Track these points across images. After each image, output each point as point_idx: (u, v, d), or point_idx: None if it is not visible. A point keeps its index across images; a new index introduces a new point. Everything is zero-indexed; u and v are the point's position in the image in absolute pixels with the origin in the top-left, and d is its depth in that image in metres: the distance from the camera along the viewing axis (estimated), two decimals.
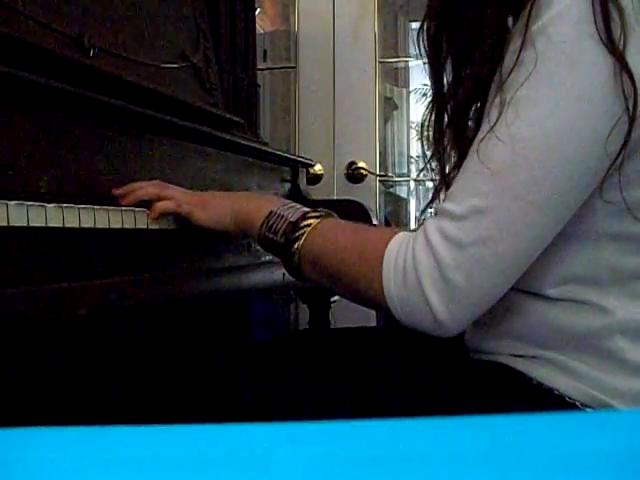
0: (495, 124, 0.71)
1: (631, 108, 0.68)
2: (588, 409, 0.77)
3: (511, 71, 0.71)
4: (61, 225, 0.73)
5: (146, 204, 0.93)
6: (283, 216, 0.87)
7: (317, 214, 0.87)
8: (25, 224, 0.69)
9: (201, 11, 1.42)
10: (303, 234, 0.84)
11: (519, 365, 0.82)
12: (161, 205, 0.92)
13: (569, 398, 0.78)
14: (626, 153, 0.71)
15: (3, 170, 0.75)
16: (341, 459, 0.34)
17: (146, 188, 0.93)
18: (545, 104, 0.70)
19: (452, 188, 0.76)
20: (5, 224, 0.66)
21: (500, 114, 0.71)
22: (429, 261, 0.72)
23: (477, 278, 0.72)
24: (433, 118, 0.87)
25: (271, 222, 0.88)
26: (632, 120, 0.69)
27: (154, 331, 1.42)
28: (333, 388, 0.89)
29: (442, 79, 0.86)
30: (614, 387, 0.77)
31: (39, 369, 1.15)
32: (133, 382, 1.36)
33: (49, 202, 0.73)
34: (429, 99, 0.88)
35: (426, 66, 0.88)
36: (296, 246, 0.84)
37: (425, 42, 0.85)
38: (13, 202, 0.68)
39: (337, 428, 0.35)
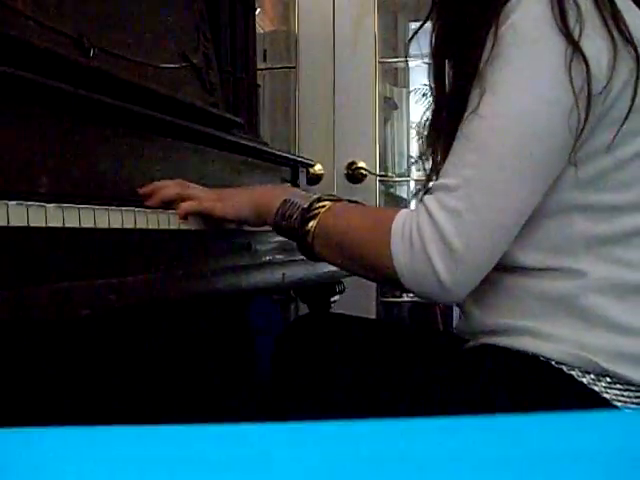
0: (477, 107, 0.81)
1: (586, 87, 0.78)
2: (573, 372, 0.82)
3: (486, 64, 0.82)
4: (61, 225, 0.73)
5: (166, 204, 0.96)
6: (296, 203, 0.94)
7: (330, 197, 0.94)
8: (25, 224, 0.68)
9: (201, 11, 1.42)
10: (317, 214, 0.91)
11: (503, 341, 0.87)
12: (185, 205, 0.97)
13: (555, 362, 0.83)
14: (586, 131, 0.80)
15: (3, 170, 0.75)
16: (341, 459, 0.34)
17: (169, 189, 0.99)
18: (515, 83, 0.80)
19: (444, 168, 0.84)
20: (5, 224, 0.66)
21: (480, 99, 0.81)
22: (432, 230, 0.80)
23: (475, 242, 0.80)
24: (430, 119, 0.98)
25: (285, 209, 0.94)
26: (589, 98, 0.79)
27: (154, 331, 1.42)
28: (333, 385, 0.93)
29: (444, 85, 0.97)
30: (595, 344, 0.82)
31: (40, 369, 1.15)
32: (134, 382, 1.36)
33: (49, 202, 0.72)
34: (429, 99, 0.98)
35: (424, 66, 1.00)
36: (310, 225, 0.91)
37: (430, 56, 0.97)
38: (13, 202, 0.67)
39: (337, 428, 0.35)
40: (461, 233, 0.79)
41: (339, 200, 0.95)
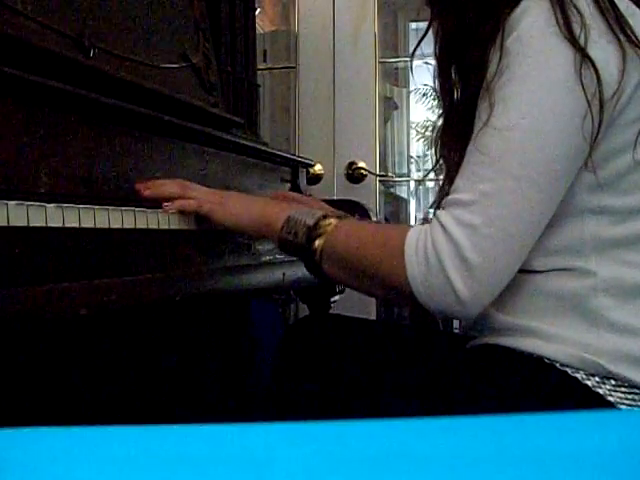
0: (488, 120, 0.80)
1: (597, 93, 0.78)
2: (578, 374, 0.82)
3: (493, 77, 0.81)
4: (61, 225, 0.73)
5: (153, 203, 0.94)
6: (301, 220, 0.92)
7: (337, 214, 0.93)
8: (25, 224, 0.69)
9: (201, 11, 1.41)
10: (324, 232, 0.90)
11: (507, 341, 0.87)
12: (182, 202, 0.97)
13: (560, 364, 0.83)
14: (600, 134, 0.80)
15: (3, 170, 0.75)
16: (341, 459, 0.34)
17: (169, 188, 0.98)
18: (526, 94, 0.80)
19: (456, 182, 0.83)
20: (5, 224, 0.66)
21: (490, 112, 0.81)
22: (447, 245, 0.79)
23: (492, 256, 0.79)
24: (441, 127, 0.98)
25: (290, 225, 0.93)
26: (601, 103, 0.79)
27: (154, 332, 1.42)
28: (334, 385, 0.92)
29: (452, 95, 0.96)
30: (600, 347, 0.82)
31: (39, 369, 1.15)
32: (133, 382, 1.36)
33: (49, 202, 0.72)
34: (430, 100, 0.97)
35: (425, 66, 1.02)
36: (317, 243, 0.90)
37: (436, 69, 0.97)
38: (13, 202, 0.68)
39: (337, 428, 0.35)
40: (478, 248, 0.78)
41: (345, 216, 0.94)
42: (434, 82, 0.98)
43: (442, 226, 0.80)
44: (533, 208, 0.80)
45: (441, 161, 0.98)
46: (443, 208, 0.83)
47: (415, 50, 0.99)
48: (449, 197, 0.83)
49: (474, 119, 0.85)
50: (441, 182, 0.98)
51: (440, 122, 0.98)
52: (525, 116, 0.79)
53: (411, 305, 0.85)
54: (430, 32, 0.97)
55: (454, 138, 0.93)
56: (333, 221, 0.91)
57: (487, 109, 0.81)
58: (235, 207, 0.99)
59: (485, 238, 0.78)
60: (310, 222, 0.91)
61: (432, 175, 1.03)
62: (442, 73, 0.96)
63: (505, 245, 0.79)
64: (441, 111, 0.99)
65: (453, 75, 0.96)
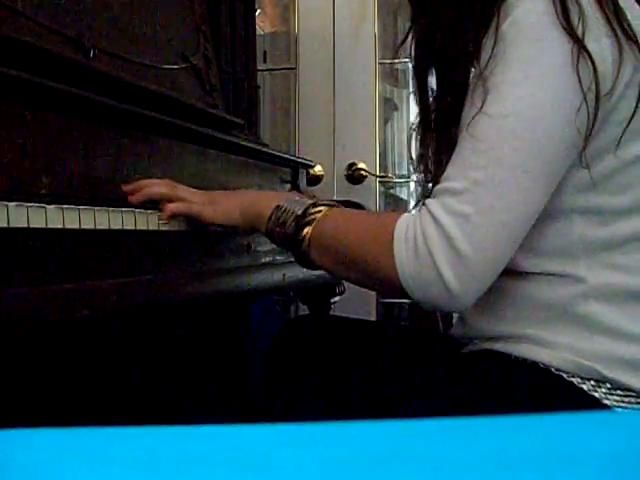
0: (482, 107, 0.78)
1: (593, 86, 0.77)
2: (574, 379, 0.82)
3: (488, 63, 0.79)
4: (61, 226, 0.73)
5: (152, 204, 0.94)
6: (290, 209, 0.90)
7: (326, 203, 0.91)
8: (25, 225, 0.69)
9: (201, 12, 1.42)
10: (313, 220, 0.88)
11: (501, 346, 0.86)
12: (173, 207, 0.94)
13: (555, 370, 0.82)
14: (593, 130, 0.78)
15: (3, 171, 0.75)
16: (342, 459, 0.34)
17: (156, 187, 0.95)
18: (522, 82, 0.78)
19: (447, 170, 0.81)
20: (5, 225, 0.66)
21: (485, 98, 0.78)
22: (438, 235, 0.77)
23: (484, 246, 0.77)
24: (419, 125, 0.96)
25: (278, 215, 0.91)
26: (597, 97, 0.77)
27: (155, 332, 1.42)
28: (331, 387, 0.92)
29: (427, 90, 0.95)
30: (594, 352, 0.81)
31: (39, 370, 1.15)
32: (133, 383, 1.36)
33: (49, 203, 0.72)
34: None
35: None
36: (305, 231, 0.88)
37: (412, 61, 0.96)
38: (13, 203, 0.68)
39: (337, 428, 0.35)
40: (470, 238, 0.76)
41: (335, 205, 0.92)
42: (412, 82, 0.97)
43: (432, 215, 0.78)
44: (526, 198, 0.78)
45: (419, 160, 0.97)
46: (433, 196, 0.81)
47: (400, 47, 0.98)
48: (439, 185, 0.81)
49: (454, 119, 0.84)
50: (423, 176, 0.97)
51: (417, 122, 0.97)
52: (519, 104, 0.77)
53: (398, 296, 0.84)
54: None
55: (433, 136, 0.92)
56: (322, 209, 0.88)
57: (481, 95, 0.79)
58: (223, 204, 0.97)
59: (477, 228, 0.76)
60: (299, 211, 0.89)
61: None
62: (420, 72, 0.95)
63: (497, 235, 0.77)
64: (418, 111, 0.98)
65: (431, 74, 0.94)
